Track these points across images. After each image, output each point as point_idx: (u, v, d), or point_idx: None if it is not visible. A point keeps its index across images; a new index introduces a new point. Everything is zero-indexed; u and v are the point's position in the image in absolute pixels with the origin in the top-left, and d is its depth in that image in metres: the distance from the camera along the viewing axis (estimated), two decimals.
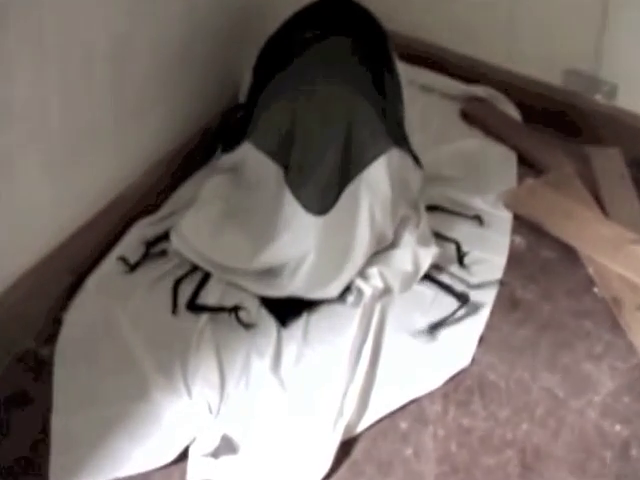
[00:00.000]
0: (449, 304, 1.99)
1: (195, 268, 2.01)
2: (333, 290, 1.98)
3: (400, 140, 2.06)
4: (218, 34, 2.22)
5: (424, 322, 1.95)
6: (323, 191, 1.99)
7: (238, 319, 1.92)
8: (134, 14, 1.96)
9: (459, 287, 2.02)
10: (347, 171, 2.00)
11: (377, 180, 2.01)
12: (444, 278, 2.05)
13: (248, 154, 2.04)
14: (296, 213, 1.98)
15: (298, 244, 1.97)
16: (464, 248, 2.09)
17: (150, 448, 1.71)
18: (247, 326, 1.92)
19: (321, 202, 1.98)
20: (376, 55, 2.15)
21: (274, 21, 2.16)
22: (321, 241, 1.97)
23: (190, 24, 2.13)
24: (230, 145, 2.09)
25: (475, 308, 1.98)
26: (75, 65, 1.85)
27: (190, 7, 2.11)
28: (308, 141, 2.01)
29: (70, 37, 1.81)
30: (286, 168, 2.01)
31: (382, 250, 2.06)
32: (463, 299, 1.97)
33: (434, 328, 1.93)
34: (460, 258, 2.07)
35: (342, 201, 1.99)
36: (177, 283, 1.98)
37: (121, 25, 1.93)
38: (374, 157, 2.00)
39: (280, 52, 2.11)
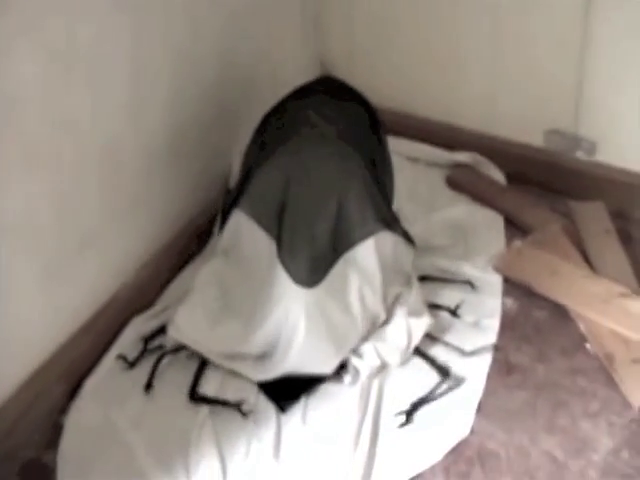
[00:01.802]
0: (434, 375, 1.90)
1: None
2: (327, 367, 1.87)
3: (391, 222, 1.96)
4: (203, 127, 2.15)
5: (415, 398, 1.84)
6: (313, 265, 1.87)
7: (241, 412, 1.82)
8: (122, 117, 1.91)
9: (449, 360, 1.91)
10: (336, 247, 1.90)
11: (365, 261, 1.91)
12: (438, 349, 1.94)
13: (242, 225, 1.94)
14: (286, 286, 1.86)
15: (289, 317, 1.86)
16: (458, 312, 2.02)
17: None
18: (246, 415, 1.81)
19: (310, 275, 1.86)
20: (369, 131, 2.06)
21: (258, 111, 2.07)
22: (310, 314, 1.85)
23: (176, 120, 2.06)
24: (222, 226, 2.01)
25: (458, 381, 1.87)
26: (65, 172, 1.79)
27: (174, 106, 2.05)
28: (300, 214, 1.90)
29: (60, 143, 1.76)
30: (278, 238, 1.89)
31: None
32: (444, 372, 1.87)
33: (415, 407, 1.82)
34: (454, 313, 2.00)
35: (331, 276, 1.88)
36: (160, 359, 1.90)
37: (110, 130, 1.88)
38: (362, 238, 1.90)
39: (275, 127, 2.02)
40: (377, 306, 1.92)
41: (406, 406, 1.82)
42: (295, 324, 1.85)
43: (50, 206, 1.77)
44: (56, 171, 1.76)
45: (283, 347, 1.87)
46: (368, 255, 1.91)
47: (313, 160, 1.93)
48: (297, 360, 1.86)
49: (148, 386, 1.87)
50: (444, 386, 1.85)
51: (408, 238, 2.02)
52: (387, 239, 1.94)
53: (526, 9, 2.24)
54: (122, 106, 1.90)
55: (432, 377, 1.89)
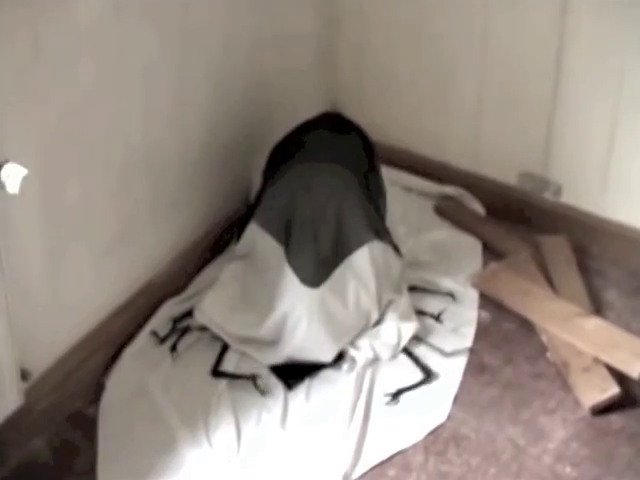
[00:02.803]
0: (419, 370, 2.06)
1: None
2: (326, 355, 2.03)
3: (382, 233, 2.12)
4: (231, 147, 2.29)
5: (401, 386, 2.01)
6: (317, 267, 2.03)
7: (256, 385, 1.98)
8: (165, 129, 2.05)
9: (432, 358, 2.08)
10: (337, 253, 2.05)
11: (361, 266, 2.06)
12: (422, 348, 2.10)
13: (256, 236, 2.10)
14: (293, 284, 2.02)
15: (294, 310, 2.01)
16: (441, 318, 2.17)
17: None
18: (262, 392, 1.98)
19: (315, 276, 2.02)
20: (364, 159, 2.23)
21: (278, 133, 2.24)
22: (313, 310, 2.01)
23: (209, 138, 2.20)
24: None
25: (437, 376, 2.04)
26: (114, 172, 1.94)
27: (209, 122, 2.20)
28: (304, 225, 2.06)
29: (112, 147, 1.91)
30: (286, 245, 2.05)
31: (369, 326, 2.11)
32: (427, 372, 2.03)
33: (396, 395, 1.99)
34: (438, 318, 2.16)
35: (332, 279, 2.03)
36: (185, 331, 2.08)
37: (154, 139, 2.03)
38: (358, 246, 2.06)
39: (284, 154, 2.19)
40: (371, 306, 2.08)
41: (393, 390, 1.99)
42: (299, 317, 2.02)
43: (101, 200, 1.93)
44: (107, 171, 1.92)
45: (288, 335, 2.03)
46: (363, 261, 2.07)
47: (314, 180, 2.11)
48: (300, 347, 2.02)
49: (173, 348, 2.03)
50: (429, 380, 2.03)
51: (397, 250, 2.17)
52: (379, 248, 2.09)
53: (507, 68, 2.36)
54: (165, 121, 2.05)
55: (416, 373, 2.05)
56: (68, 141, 1.78)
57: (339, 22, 2.58)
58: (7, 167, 1.51)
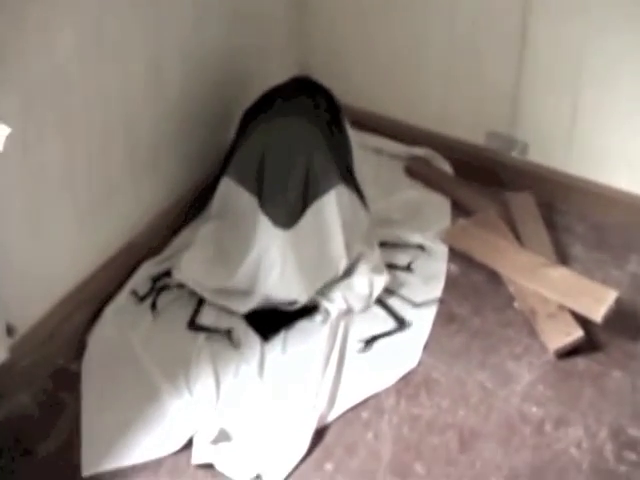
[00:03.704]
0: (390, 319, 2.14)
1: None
2: (300, 296, 2.10)
3: (349, 181, 2.20)
4: (206, 111, 2.35)
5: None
6: (288, 210, 2.11)
7: (230, 340, 2.06)
8: (142, 97, 2.12)
9: (403, 309, 2.16)
10: (305, 198, 2.13)
11: (328, 210, 2.14)
12: (394, 299, 2.18)
13: (230, 190, 2.17)
14: (266, 228, 2.09)
15: (268, 252, 2.09)
16: (411, 267, 2.26)
17: (162, 439, 1.85)
18: (236, 345, 2.05)
19: (287, 218, 2.10)
20: (330, 117, 2.30)
21: (252, 98, 2.30)
22: (286, 250, 2.09)
23: (184, 105, 2.27)
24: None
25: (408, 325, 2.12)
26: (95, 134, 2.00)
27: (184, 88, 2.26)
28: (275, 175, 2.13)
29: (91, 113, 1.97)
30: (259, 195, 2.13)
31: (344, 278, 2.19)
32: (400, 321, 2.12)
33: (370, 342, 2.07)
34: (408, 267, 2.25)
35: (302, 221, 2.11)
36: (163, 288, 2.16)
37: (131, 106, 2.09)
38: (325, 190, 2.13)
39: (257, 114, 2.26)
40: (339, 252, 2.16)
41: (367, 337, 2.08)
42: (274, 257, 2.09)
43: (81, 162, 1.99)
44: (87, 134, 1.98)
45: (263, 276, 2.10)
46: (331, 205, 2.14)
47: (283, 134, 2.18)
48: (275, 287, 2.10)
49: (153, 306, 2.11)
50: (401, 328, 2.11)
51: (364, 203, 2.25)
52: (346, 194, 2.16)
53: (474, 29, 2.42)
54: (141, 87, 2.11)
55: (388, 323, 2.13)
56: (49, 105, 1.84)
57: None
58: None
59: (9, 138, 1.58)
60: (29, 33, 1.74)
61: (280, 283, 2.09)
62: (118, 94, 2.04)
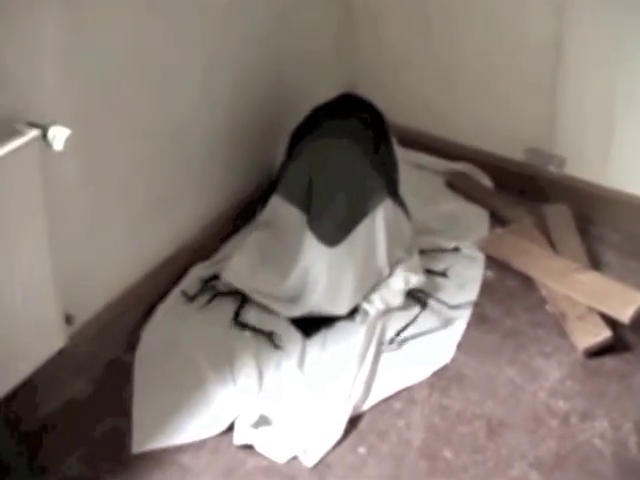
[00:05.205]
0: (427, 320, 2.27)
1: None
2: (342, 309, 2.25)
3: (394, 195, 2.35)
4: (255, 127, 2.51)
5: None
6: (334, 229, 2.25)
7: (271, 341, 2.20)
8: (193, 112, 2.29)
9: (441, 308, 2.29)
10: (353, 216, 2.27)
11: (375, 227, 2.28)
12: (431, 301, 2.30)
13: (279, 207, 2.33)
14: (312, 244, 2.24)
15: (314, 268, 2.24)
16: (447, 273, 2.38)
17: (206, 422, 2.00)
18: (277, 347, 2.19)
19: (333, 236, 2.24)
20: (377, 134, 2.45)
21: (300, 114, 2.46)
22: (331, 267, 2.24)
23: (235, 121, 2.43)
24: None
25: (448, 322, 2.25)
26: (150, 143, 2.17)
27: (234, 105, 2.43)
28: (323, 193, 2.28)
29: (149, 118, 2.14)
30: (307, 212, 2.28)
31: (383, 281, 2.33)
32: (422, 304, 2.25)
33: (400, 332, 2.20)
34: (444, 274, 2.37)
35: (349, 239, 2.26)
36: (214, 296, 2.31)
37: (187, 116, 2.26)
38: (372, 208, 2.28)
39: (305, 132, 2.42)
40: (383, 263, 2.30)
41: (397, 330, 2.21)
42: (319, 274, 2.25)
43: (137, 169, 2.15)
44: (142, 142, 2.14)
45: (309, 291, 2.26)
46: (377, 221, 2.28)
47: (331, 154, 2.34)
48: (319, 301, 2.25)
49: (208, 302, 2.28)
50: (434, 323, 2.24)
51: (407, 214, 2.39)
52: (391, 207, 2.31)
53: (510, 48, 2.56)
54: (194, 102, 2.29)
55: (421, 320, 2.25)
56: (110, 112, 2.02)
57: (356, 9, 2.81)
58: (53, 128, 1.77)
59: (73, 141, 1.77)
60: (89, 39, 1.91)
61: (324, 298, 2.24)
62: (172, 107, 2.22)
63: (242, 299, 2.29)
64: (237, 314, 2.26)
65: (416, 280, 2.30)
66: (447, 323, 2.27)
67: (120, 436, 1.98)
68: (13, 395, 1.85)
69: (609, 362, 2.16)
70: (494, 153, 2.73)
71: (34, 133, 1.74)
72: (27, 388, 1.90)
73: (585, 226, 2.57)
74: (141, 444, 1.95)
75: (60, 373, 2.01)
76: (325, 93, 2.52)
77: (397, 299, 2.28)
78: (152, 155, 2.20)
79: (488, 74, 2.66)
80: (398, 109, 2.76)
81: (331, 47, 2.79)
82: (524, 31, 2.56)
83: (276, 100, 2.56)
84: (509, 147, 2.70)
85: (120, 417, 2.02)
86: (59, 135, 1.76)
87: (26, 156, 1.73)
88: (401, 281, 2.29)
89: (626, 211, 2.57)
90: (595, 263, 2.44)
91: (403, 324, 2.25)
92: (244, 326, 2.24)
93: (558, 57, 2.51)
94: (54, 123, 1.76)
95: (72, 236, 2.01)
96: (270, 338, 2.20)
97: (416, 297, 2.28)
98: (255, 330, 2.23)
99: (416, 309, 2.28)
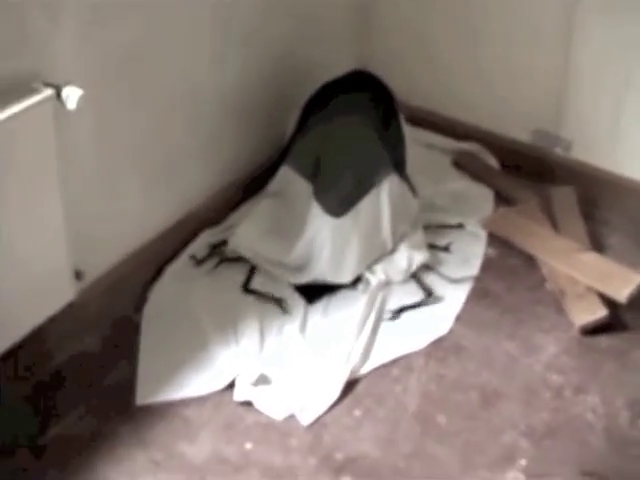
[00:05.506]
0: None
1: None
2: (345, 277, 2.30)
3: (400, 170, 2.40)
4: (266, 99, 2.55)
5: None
6: (340, 201, 2.31)
7: (281, 307, 2.25)
8: (204, 74, 2.33)
9: (439, 284, 2.34)
10: (358, 189, 2.33)
11: (379, 201, 2.34)
12: (432, 275, 2.36)
13: (287, 177, 2.39)
14: (318, 215, 2.30)
15: (319, 238, 2.30)
16: (450, 248, 2.43)
17: (208, 379, 2.06)
18: (285, 312, 2.25)
19: (338, 208, 2.30)
20: (387, 111, 2.50)
21: (314, 86, 2.50)
22: (335, 236, 2.29)
23: (247, 89, 2.48)
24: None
25: (440, 299, 2.30)
26: (162, 109, 2.21)
27: (247, 75, 2.47)
28: (330, 165, 2.35)
29: (161, 86, 2.19)
30: (314, 183, 2.34)
31: (387, 254, 2.38)
32: (428, 293, 2.30)
33: (398, 312, 2.25)
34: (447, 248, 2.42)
35: (354, 211, 2.31)
36: (221, 261, 2.36)
37: (193, 81, 2.30)
38: (379, 181, 2.34)
39: (316, 107, 2.47)
40: (387, 236, 2.35)
41: (396, 308, 2.27)
42: (324, 243, 2.30)
43: (148, 133, 2.19)
44: (154, 108, 2.18)
45: (314, 259, 2.31)
46: (382, 196, 2.34)
47: (340, 129, 2.40)
48: (323, 270, 2.30)
49: (216, 266, 2.33)
50: (429, 300, 2.29)
51: (413, 190, 2.44)
52: (396, 182, 2.37)
53: (521, 30, 2.61)
54: (204, 65, 2.31)
55: (419, 295, 2.32)
56: (123, 75, 2.06)
57: None
58: (67, 89, 1.83)
59: (86, 100, 1.83)
60: (105, 13, 1.97)
61: (329, 267, 2.29)
62: (185, 74, 2.26)
63: (251, 267, 2.34)
64: (247, 281, 2.31)
65: (420, 259, 2.35)
66: (447, 296, 2.31)
67: (127, 389, 2.04)
68: (25, 346, 1.91)
69: (606, 340, 2.21)
70: (502, 134, 2.77)
71: (48, 92, 1.80)
72: (38, 340, 1.96)
73: (590, 209, 2.61)
74: (145, 397, 2.02)
75: (70, 327, 2.07)
76: (338, 67, 2.56)
77: (399, 276, 2.33)
78: (165, 121, 2.24)
79: (499, 57, 2.70)
80: (409, 88, 2.80)
81: (348, 22, 2.83)
82: (536, 16, 2.60)
83: (289, 71, 2.60)
84: (517, 129, 2.74)
85: (127, 371, 2.08)
86: (72, 95, 1.82)
87: (40, 113, 1.79)
88: (405, 260, 2.34)
89: (631, 195, 2.61)
90: (599, 246, 2.48)
91: (403, 297, 2.30)
92: (254, 293, 2.29)
93: (568, 41, 2.55)
94: (68, 83, 1.82)
95: (84, 194, 2.06)
96: (280, 304, 2.25)
97: (423, 287, 2.32)
98: (265, 296, 2.28)
99: (416, 286, 2.34)
